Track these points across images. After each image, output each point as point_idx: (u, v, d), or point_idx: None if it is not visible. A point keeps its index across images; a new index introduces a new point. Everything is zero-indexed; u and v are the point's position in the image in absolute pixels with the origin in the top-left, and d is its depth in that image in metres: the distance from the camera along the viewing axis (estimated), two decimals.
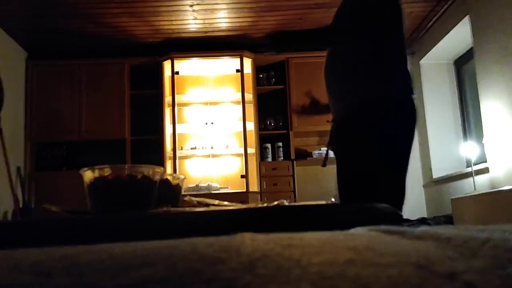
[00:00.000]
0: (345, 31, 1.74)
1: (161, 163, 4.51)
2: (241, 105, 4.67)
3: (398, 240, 0.37)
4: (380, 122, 1.66)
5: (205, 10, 4.18)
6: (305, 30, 1.67)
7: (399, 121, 1.67)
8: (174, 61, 4.69)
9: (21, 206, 4.27)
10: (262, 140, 4.77)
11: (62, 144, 4.74)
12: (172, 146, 4.62)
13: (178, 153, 4.67)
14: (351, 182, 1.69)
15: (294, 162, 4.61)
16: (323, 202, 1.16)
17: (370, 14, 1.68)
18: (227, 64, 4.83)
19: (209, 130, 4.82)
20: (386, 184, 1.61)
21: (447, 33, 4.35)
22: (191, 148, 4.81)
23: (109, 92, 4.76)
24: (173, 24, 4.47)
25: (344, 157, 1.77)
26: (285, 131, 4.76)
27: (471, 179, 3.90)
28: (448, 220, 3.88)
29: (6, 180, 3.88)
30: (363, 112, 1.69)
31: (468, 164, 4.29)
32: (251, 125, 4.68)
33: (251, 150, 4.64)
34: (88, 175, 1.12)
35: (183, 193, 1.57)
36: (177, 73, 4.74)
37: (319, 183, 4.87)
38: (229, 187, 4.60)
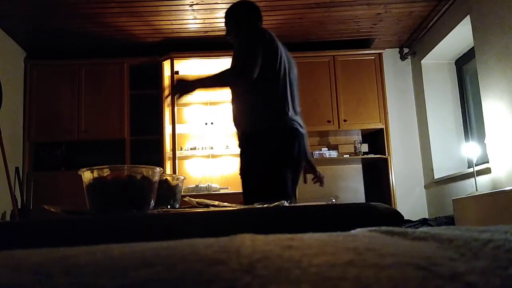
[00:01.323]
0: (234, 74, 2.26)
1: (161, 164, 4.50)
2: None
3: (399, 241, 0.37)
4: (248, 147, 2.28)
5: (205, 9, 4.18)
6: (203, 78, 2.41)
7: (259, 145, 2.23)
8: (174, 61, 4.69)
9: (19, 206, 4.26)
10: None
11: (61, 144, 4.74)
12: (171, 147, 4.62)
13: (178, 153, 4.66)
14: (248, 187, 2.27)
15: None
16: (323, 203, 1.16)
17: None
18: (227, 64, 4.81)
19: (209, 130, 4.82)
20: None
21: (448, 33, 4.35)
22: (191, 149, 4.80)
23: (108, 92, 4.76)
24: (173, 24, 4.47)
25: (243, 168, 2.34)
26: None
27: (472, 179, 3.90)
28: (449, 221, 3.88)
29: (4, 180, 3.87)
30: (241, 139, 2.33)
31: (470, 165, 4.29)
32: None
33: None
34: (87, 175, 1.12)
35: (182, 193, 1.56)
36: (177, 73, 4.74)
37: None
38: (229, 188, 4.59)
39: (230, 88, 2.45)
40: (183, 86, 2.22)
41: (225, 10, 2.56)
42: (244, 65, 2.20)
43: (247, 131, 2.30)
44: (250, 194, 2.22)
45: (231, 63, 2.35)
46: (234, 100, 2.41)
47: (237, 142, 2.45)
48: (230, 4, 2.57)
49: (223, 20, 2.57)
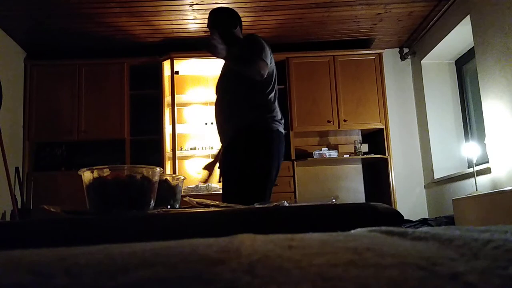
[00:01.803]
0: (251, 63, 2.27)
1: (161, 164, 4.50)
2: None
3: (399, 241, 0.37)
4: (248, 143, 2.31)
5: (205, 9, 4.18)
6: (231, 52, 2.34)
7: (261, 143, 2.32)
8: (174, 61, 4.69)
9: (19, 206, 4.26)
10: None
11: (61, 144, 4.74)
12: (171, 147, 4.62)
13: (178, 153, 4.66)
14: (232, 193, 2.32)
15: (295, 162, 4.61)
16: (323, 203, 1.16)
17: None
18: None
19: (209, 130, 4.82)
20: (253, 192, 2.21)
21: (448, 33, 4.35)
22: (191, 149, 4.80)
23: (108, 92, 4.76)
24: (173, 24, 4.47)
25: (229, 172, 2.44)
26: (285, 132, 4.76)
27: (472, 179, 3.90)
28: (449, 221, 3.88)
29: (4, 180, 3.87)
30: (238, 136, 2.34)
31: (470, 165, 4.29)
32: None
33: None
34: (87, 175, 1.12)
35: (182, 193, 1.56)
36: (177, 73, 4.74)
37: (320, 183, 4.87)
38: None
39: (227, 85, 2.48)
40: (213, 47, 2.23)
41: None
42: (262, 66, 2.25)
43: (243, 128, 2.35)
44: (236, 190, 2.30)
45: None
46: (232, 96, 2.43)
47: (220, 138, 2.53)
48: (225, 6, 2.63)
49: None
